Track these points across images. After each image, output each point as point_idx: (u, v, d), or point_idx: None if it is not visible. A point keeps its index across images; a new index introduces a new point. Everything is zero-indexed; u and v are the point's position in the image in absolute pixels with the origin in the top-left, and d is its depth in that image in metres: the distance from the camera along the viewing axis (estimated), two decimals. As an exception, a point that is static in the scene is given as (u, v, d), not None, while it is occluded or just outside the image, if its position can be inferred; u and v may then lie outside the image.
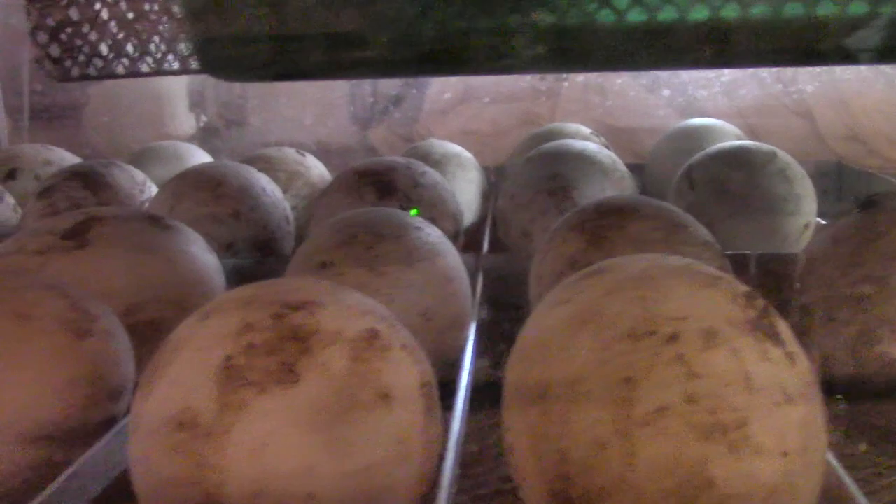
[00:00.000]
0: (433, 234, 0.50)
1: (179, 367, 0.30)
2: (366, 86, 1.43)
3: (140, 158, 0.90)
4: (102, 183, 0.74)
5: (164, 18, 0.44)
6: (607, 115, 1.23)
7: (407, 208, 0.64)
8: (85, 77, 0.48)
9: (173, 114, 1.68)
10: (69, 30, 0.46)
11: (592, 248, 0.46)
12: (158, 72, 0.47)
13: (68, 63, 0.47)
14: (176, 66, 0.46)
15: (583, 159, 0.69)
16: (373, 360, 0.31)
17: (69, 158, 0.92)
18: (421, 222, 0.51)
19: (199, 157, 0.94)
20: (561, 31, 0.36)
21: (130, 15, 0.45)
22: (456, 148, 0.86)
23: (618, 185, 0.69)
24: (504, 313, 0.56)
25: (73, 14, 0.45)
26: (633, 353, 0.29)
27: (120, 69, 0.47)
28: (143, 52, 0.46)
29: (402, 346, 0.33)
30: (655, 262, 0.35)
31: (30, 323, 0.37)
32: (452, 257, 0.50)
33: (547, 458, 0.30)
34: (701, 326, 0.30)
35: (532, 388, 0.32)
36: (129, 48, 0.46)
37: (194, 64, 0.45)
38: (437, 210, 0.66)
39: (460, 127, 1.37)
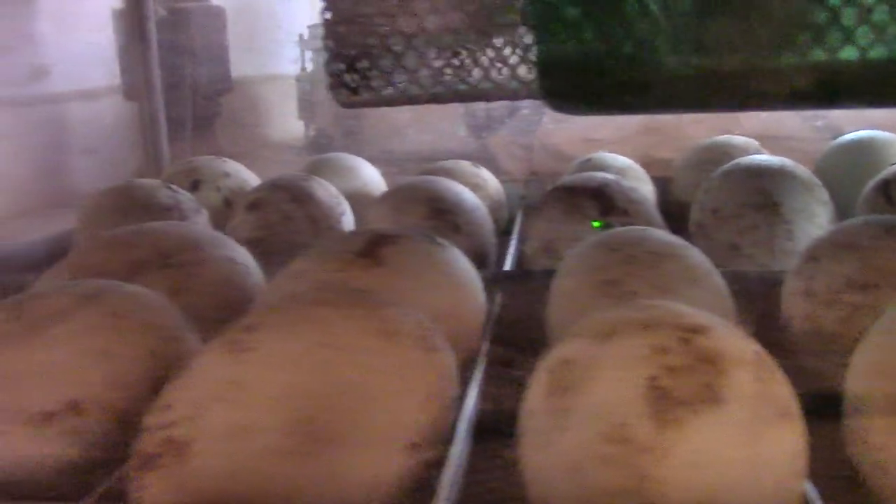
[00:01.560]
0: (698, 252, 0.52)
1: (601, 385, 0.33)
2: (482, 93, 1.44)
3: (313, 171, 0.94)
4: (307, 195, 0.78)
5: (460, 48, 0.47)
6: (738, 125, 1.23)
7: (624, 224, 0.66)
8: (379, 103, 0.51)
9: (281, 123, 1.73)
10: (366, 60, 0.49)
11: (870, 265, 0.48)
12: (454, 96, 0.49)
13: (363, 90, 0.50)
14: (462, 89, 0.49)
15: (784, 175, 0.71)
16: (769, 380, 0.34)
17: (243, 171, 0.96)
18: (683, 241, 0.53)
19: (366, 168, 0.97)
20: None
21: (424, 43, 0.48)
22: (627, 161, 0.88)
23: (819, 199, 0.70)
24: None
25: (371, 42, 0.48)
26: None
27: (415, 91, 0.49)
28: (437, 79, 0.49)
29: (776, 367, 0.36)
30: None
31: (395, 340, 0.40)
32: (718, 275, 0.52)
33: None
34: None
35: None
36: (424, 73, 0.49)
37: (483, 86, 0.47)
38: (648, 224, 0.68)
39: (581, 135, 1.38)
